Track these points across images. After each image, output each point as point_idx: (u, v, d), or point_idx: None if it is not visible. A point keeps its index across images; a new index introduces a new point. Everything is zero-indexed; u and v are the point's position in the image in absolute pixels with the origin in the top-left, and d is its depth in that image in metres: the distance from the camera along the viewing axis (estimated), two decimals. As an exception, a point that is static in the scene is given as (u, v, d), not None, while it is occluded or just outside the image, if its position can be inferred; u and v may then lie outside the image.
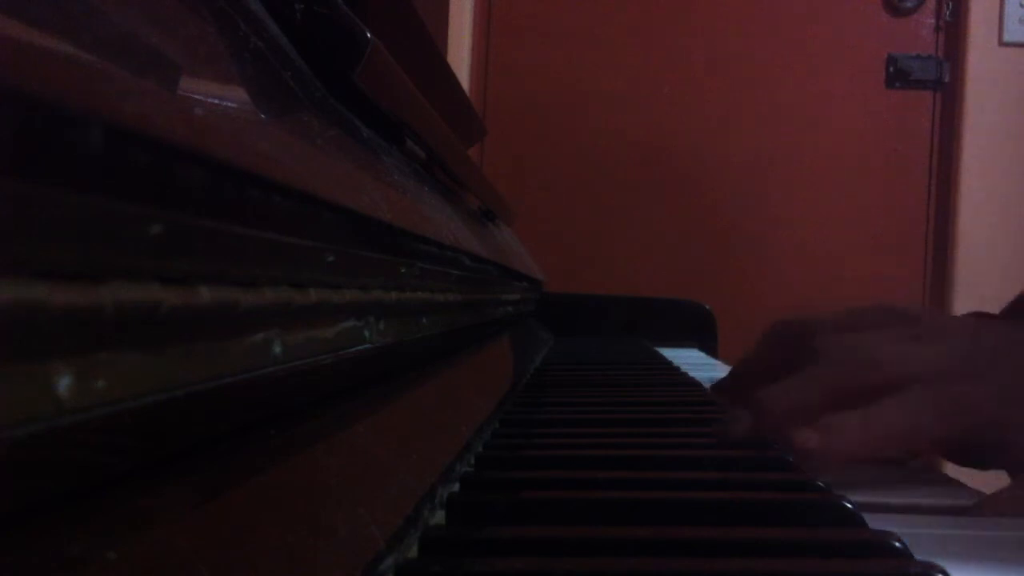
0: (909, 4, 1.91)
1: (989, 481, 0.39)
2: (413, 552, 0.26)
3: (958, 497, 0.37)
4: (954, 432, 0.39)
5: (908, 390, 0.39)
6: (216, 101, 0.19)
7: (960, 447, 0.42)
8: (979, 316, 0.47)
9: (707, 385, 0.65)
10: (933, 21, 1.92)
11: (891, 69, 1.92)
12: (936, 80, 1.91)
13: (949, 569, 0.24)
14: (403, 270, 0.32)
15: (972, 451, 0.42)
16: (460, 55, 1.81)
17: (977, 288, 1.82)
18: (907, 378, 0.39)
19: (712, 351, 1.20)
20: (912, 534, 0.27)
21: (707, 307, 1.26)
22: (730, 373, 0.59)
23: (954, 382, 0.39)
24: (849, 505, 0.30)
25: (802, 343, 0.46)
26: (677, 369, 0.80)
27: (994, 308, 0.51)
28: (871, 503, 0.34)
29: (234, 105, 0.21)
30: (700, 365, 0.94)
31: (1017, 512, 0.34)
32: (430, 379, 0.38)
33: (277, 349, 0.20)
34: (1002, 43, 1.86)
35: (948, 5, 1.90)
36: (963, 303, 1.84)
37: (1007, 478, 0.40)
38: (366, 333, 0.27)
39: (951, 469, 0.45)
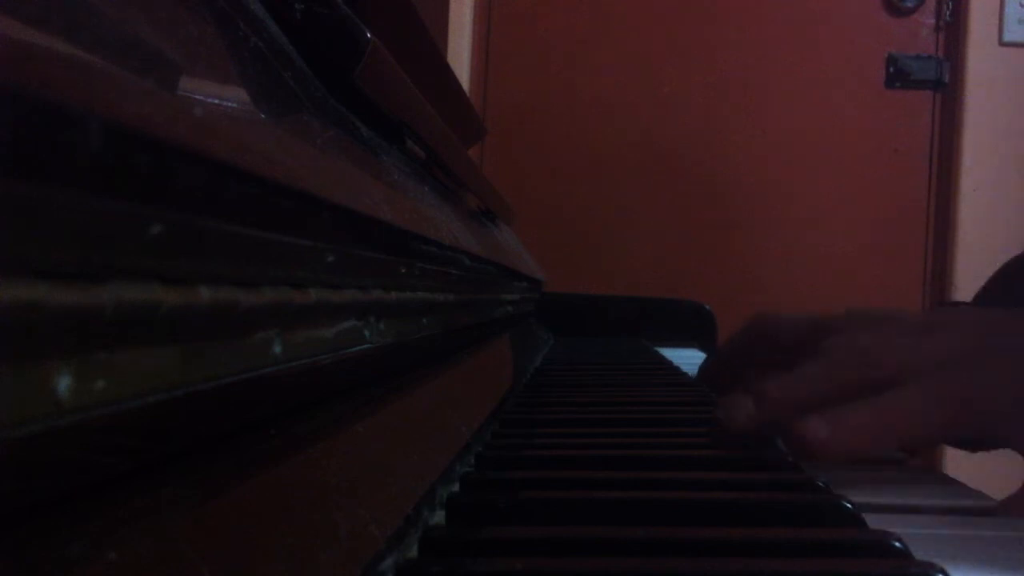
0: (909, 4, 1.91)
1: (991, 480, 0.39)
2: (413, 552, 0.26)
3: (958, 497, 0.37)
4: (956, 422, 0.39)
5: (911, 383, 0.39)
6: (216, 101, 0.19)
7: (962, 435, 0.42)
8: (956, 305, 0.48)
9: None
10: (933, 21, 1.92)
11: (891, 69, 1.92)
12: (936, 80, 1.91)
13: (949, 569, 0.24)
14: (403, 270, 0.32)
15: (974, 439, 0.42)
16: (460, 55, 1.81)
17: (977, 288, 1.82)
18: (909, 372, 0.39)
19: (712, 351, 1.20)
20: (912, 534, 0.27)
21: (707, 307, 1.26)
22: (702, 368, 0.60)
23: (954, 373, 0.39)
24: (849, 505, 0.30)
25: (786, 339, 0.47)
26: (677, 369, 0.80)
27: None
28: (871, 503, 0.34)
29: (234, 105, 0.21)
30: (700, 365, 0.94)
31: None
32: (430, 379, 0.38)
33: (277, 349, 0.20)
34: (1002, 43, 1.86)
35: (948, 5, 1.90)
36: (963, 303, 1.84)
37: (1006, 473, 0.40)
38: (366, 333, 0.27)
39: (951, 468, 0.45)
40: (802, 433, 0.37)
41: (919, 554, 0.26)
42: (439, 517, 0.30)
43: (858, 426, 0.38)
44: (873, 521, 0.29)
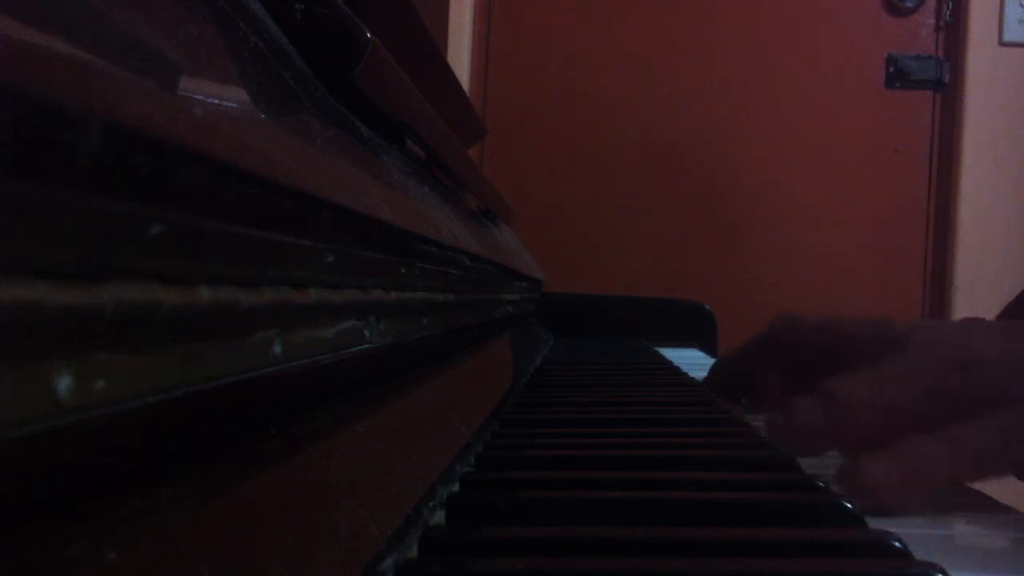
0: (909, 4, 1.91)
1: (991, 480, 0.39)
2: (413, 552, 0.26)
3: (957, 498, 0.37)
4: None
5: (1000, 408, 0.33)
6: (216, 101, 0.19)
7: None
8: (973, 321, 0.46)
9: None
10: (933, 21, 1.92)
11: (891, 69, 1.92)
12: (936, 80, 1.91)
13: (949, 569, 0.24)
14: (403, 270, 0.32)
15: None
16: (460, 55, 1.81)
17: (977, 288, 1.82)
18: (1005, 386, 0.34)
19: (712, 351, 1.20)
20: (912, 534, 0.27)
21: (707, 307, 1.26)
22: (713, 368, 0.58)
23: None
24: (849, 505, 0.30)
25: (807, 342, 0.45)
26: (677, 369, 0.80)
27: (994, 307, 0.51)
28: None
29: (234, 105, 0.21)
30: (700, 365, 0.94)
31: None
32: (430, 379, 0.38)
33: (277, 349, 0.20)
34: (1002, 43, 1.86)
35: (948, 5, 1.90)
36: (962, 303, 1.84)
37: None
38: (366, 333, 0.27)
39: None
40: (864, 476, 0.32)
41: (919, 554, 0.26)
42: (439, 517, 0.30)
43: (934, 467, 0.33)
44: (873, 521, 0.29)
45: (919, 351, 0.36)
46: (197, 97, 0.18)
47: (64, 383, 0.12)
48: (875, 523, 0.29)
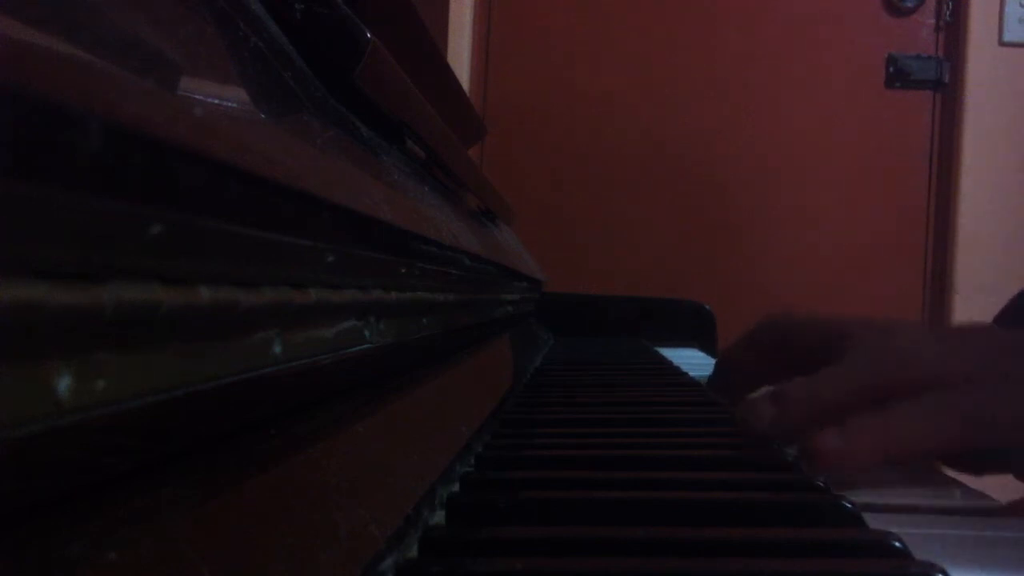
0: (909, 4, 1.91)
1: (991, 480, 0.39)
2: (413, 552, 0.26)
3: (958, 497, 0.37)
4: (970, 441, 0.38)
5: (931, 394, 0.38)
6: (216, 101, 0.19)
7: (967, 454, 0.41)
8: (979, 326, 0.47)
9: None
10: (933, 21, 1.92)
11: (891, 69, 1.92)
12: (936, 80, 1.91)
13: (949, 569, 0.24)
14: (403, 270, 0.32)
15: (977, 459, 0.41)
16: (460, 55, 1.81)
17: (977, 288, 1.82)
18: (934, 380, 0.38)
19: (712, 351, 1.20)
20: (912, 534, 0.27)
21: (707, 307, 1.26)
22: (716, 366, 0.60)
23: (975, 389, 0.38)
24: (849, 505, 0.30)
25: (800, 342, 0.47)
26: (677, 369, 0.80)
27: (993, 308, 0.51)
28: (871, 503, 0.34)
29: (234, 105, 0.21)
30: (700, 365, 0.94)
31: None
32: (430, 379, 0.38)
33: (277, 349, 0.20)
34: (1002, 43, 1.86)
35: (948, 5, 1.90)
36: (963, 303, 1.84)
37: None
38: (366, 333, 0.27)
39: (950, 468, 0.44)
40: (815, 445, 0.37)
41: (919, 554, 0.26)
42: (439, 517, 0.30)
43: (868, 438, 0.37)
44: (873, 521, 0.29)
45: (862, 351, 0.41)
46: (197, 97, 0.18)
47: (64, 383, 0.12)
48: (875, 523, 0.29)
